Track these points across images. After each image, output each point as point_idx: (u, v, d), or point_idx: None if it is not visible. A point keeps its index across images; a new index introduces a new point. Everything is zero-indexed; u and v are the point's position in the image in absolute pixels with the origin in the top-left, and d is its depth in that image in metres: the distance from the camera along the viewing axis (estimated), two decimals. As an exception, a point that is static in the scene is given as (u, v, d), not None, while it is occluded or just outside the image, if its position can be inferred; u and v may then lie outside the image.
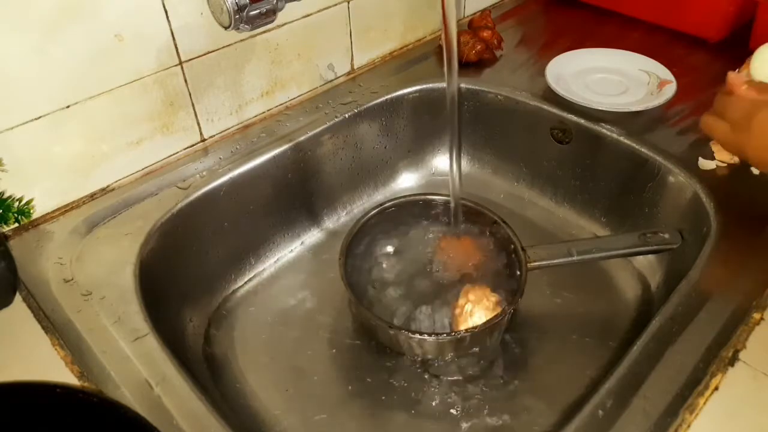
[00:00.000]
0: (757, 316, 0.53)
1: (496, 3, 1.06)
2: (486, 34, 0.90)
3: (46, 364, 0.51)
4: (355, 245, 0.68)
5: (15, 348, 0.52)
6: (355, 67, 0.88)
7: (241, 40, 0.72)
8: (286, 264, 0.79)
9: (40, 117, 0.60)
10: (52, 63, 0.59)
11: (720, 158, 0.69)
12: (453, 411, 0.63)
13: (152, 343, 0.53)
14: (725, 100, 0.59)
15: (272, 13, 0.62)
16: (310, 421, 0.62)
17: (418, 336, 0.62)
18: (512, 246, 0.66)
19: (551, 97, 0.80)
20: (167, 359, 0.52)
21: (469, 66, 0.89)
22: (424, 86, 0.85)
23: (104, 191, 0.69)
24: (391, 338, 0.64)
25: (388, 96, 0.83)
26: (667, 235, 0.66)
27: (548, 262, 0.65)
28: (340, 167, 0.82)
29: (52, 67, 0.59)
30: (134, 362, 0.51)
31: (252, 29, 0.62)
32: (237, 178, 0.71)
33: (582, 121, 0.78)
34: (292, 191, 0.78)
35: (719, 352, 0.50)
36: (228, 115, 0.76)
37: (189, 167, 0.71)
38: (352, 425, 0.62)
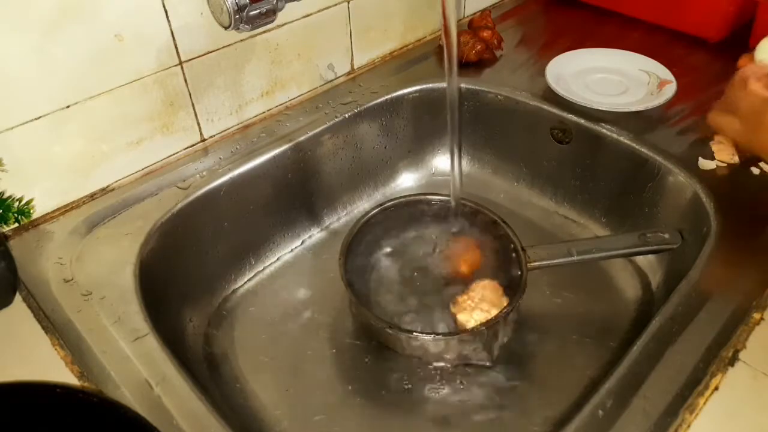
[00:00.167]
0: (757, 316, 0.53)
1: (496, 3, 1.06)
2: (486, 34, 0.90)
3: (46, 364, 0.51)
4: (356, 245, 0.68)
5: (15, 348, 0.52)
6: (355, 67, 0.88)
7: (241, 40, 0.72)
8: (286, 264, 0.79)
9: (40, 117, 0.61)
10: (52, 63, 0.59)
11: (720, 158, 0.70)
12: (453, 410, 0.63)
13: (152, 343, 0.53)
14: (736, 96, 0.58)
15: (272, 13, 0.62)
16: (310, 421, 0.62)
17: (417, 336, 0.62)
18: (512, 246, 0.66)
19: (551, 97, 0.80)
20: (167, 359, 0.52)
21: (469, 66, 0.89)
22: (424, 86, 0.85)
23: (104, 191, 0.69)
24: (390, 338, 0.64)
25: (388, 96, 0.83)
26: (667, 235, 0.66)
27: (548, 262, 0.65)
28: (340, 167, 0.82)
29: (52, 67, 0.59)
30: (134, 362, 0.51)
31: (252, 29, 0.62)
32: (237, 178, 0.71)
33: (582, 121, 0.78)
34: (292, 191, 0.78)
35: (719, 352, 0.50)
36: (228, 115, 0.76)
37: (189, 167, 0.71)
38: (351, 425, 0.62)
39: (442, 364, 0.65)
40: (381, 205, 0.71)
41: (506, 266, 0.68)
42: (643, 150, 0.73)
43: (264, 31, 0.73)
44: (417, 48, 0.94)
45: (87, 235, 0.63)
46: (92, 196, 0.68)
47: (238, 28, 0.61)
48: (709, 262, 0.59)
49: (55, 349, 0.52)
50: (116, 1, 0.60)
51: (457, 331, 0.64)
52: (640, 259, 0.75)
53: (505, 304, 0.64)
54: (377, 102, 0.83)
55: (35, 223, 0.64)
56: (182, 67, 0.68)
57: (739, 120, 0.57)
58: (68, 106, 0.62)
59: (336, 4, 0.80)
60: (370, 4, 0.84)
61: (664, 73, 0.82)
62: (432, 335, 0.63)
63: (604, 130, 0.76)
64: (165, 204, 0.66)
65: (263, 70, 0.77)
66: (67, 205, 0.66)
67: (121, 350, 0.52)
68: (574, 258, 0.65)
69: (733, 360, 0.50)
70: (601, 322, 0.70)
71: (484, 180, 0.89)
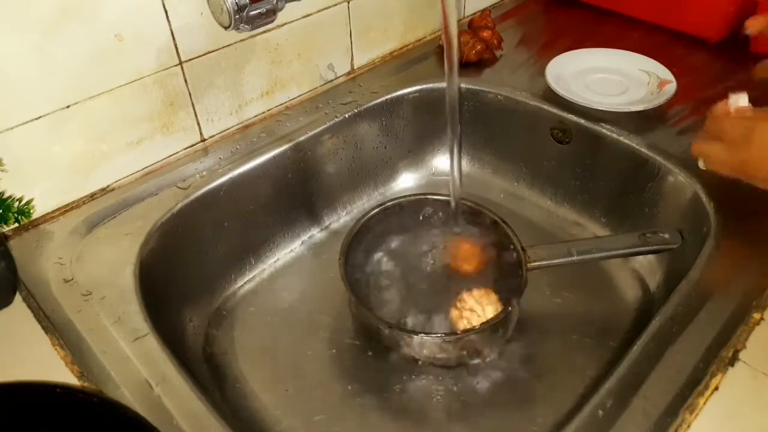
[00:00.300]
0: (757, 316, 0.53)
1: (496, 3, 1.06)
2: (486, 34, 0.90)
3: (46, 364, 0.51)
4: (356, 245, 0.68)
5: (15, 348, 0.52)
6: (355, 67, 0.88)
7: (241, 40, 0.72)
8: (286, 264, 0.79)
9: (40, 117, 0.61)
10: (52, 63, 0.59)
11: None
12: (452, 410, 0.63)
13: (152, 343, 0.53)
14: (718, 122, 0.56)
15: (272, 13, 0.62)
16: (310, 421, 0.62)
17: (417, 336, 0.62)
18: (512, 246, 0.66)
19: (551, 97, 0.80)
20: (167, 359, 0.52)
21: (469, 66, 0.89)
22: (424, 86, 0.85)
23: (104, 191, 0.69)
24: (391, 338, 0.64)
25: (388, 96, 0.83)
26: (667, 235, 0.66)
27: (548, 262, 0.65)
28: (340, 167, 0.82)
29: (52, 67, 0.59)
30: (134, 362, 0.51)
31: (252, 29, 0.62)
32: (237, 178, 0.71)
33: (582, 121, 0.78)
34: (292, 191, 0.78)
35: (719, 352, 0.50)
36: (228, 115, 0.76)
37: (189, 167, 0.71)
38: (351, 425, 0.62)
39: (441, 364, 0.65)
40: (381, 204, 0.71)
41: (506, 266, 0.68)
42: (643, 150, 0.73)
43: (264, 31, 0.73)
44: (417, 48, 0.94)
45: (87, 235, 0.63)
46: (92, 196, 0.68)
47: (238, 28, 0.61)
48: (709, 262, 0.59)
49: (55, 349, 0.52)
50: (116, 1, 0.60)
51: (457, 331, 0.64)
52: (640, 259, 0.75)
53: (503, 305, 0.64)
54: (377, 102, 0.83)
55: (35, 223, 0.64)
56: (182, 67, 0.68)
57: (724, 145, 0.56)
58: (68, 106, 0.62)
59: (336, 4, 0.80)
60: (370, 4, 0.84)
61: (664, 73, 0.82)
62: (432, 335, 0.63)
63: (604, 130, 0.76)
64: (165, 204, 0.66)
65: (263, 70, 0.77)
66: (67, 205, 0.66)
67: (121, 350, 0.52)
68: (574, 258, 0.65)
69: (733, 360, 0.50)
70: (601, 322, 0.70)
71: (484, 180, 0.89)
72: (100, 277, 0.59)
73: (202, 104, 0.72)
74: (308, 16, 0.78)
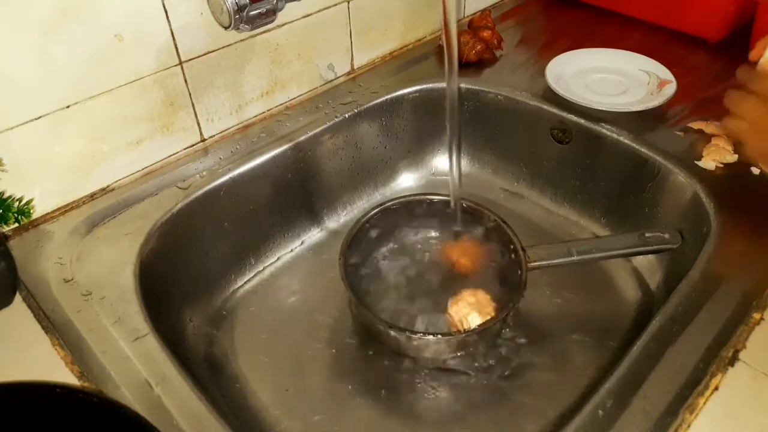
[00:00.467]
0: (757, 316, 0.53)
1: (496, 3, 1.06)
2: (486, 34, 0.90)
3: (46, 364, 0.51)
4: (356, 245, 0.68)
5: (15, 348, 0.52)
6: (355, 67, 0.88)
7: (241, 40, 0.72)
8: (286, 264, 0.79)
9: (40, 117, 0.61)
10: (52, 63, 0.59)
11: (713, 158, 0.69)
12: (452, 410, 0.63)
13: (152, 343, 0.53)
14: (741, 99, 0.56)
15: (272, 13, 0.62)
16: (310, 421, 0.62)
17: (418, 336, 0.62)
18: (512, 246, 0.66)
19: (551, 97, 0.80)
20: (167, 359, 0.52)
21: (469, 66, 0.89)
22: (424, 86, 0.85)
23: (104, 191, 0.69)
24: (390, 338, 0.64)
25: (388, 96, 0.83)
26: (667, 235, 0.66)
27: (548, 262, 0.65)
28: (340, 167, 0.82)
29: (52, 67, 0.59)
30: (134, 362, 0.51)
31: (252, 29, 0.62)
32: (237, 178, 0.71)
33: (582, 121, 0.78)
34: (292, 191, 0.78)
35: (719, 352, 0.51)
36: (228, 115, 0.76)
37: (189, 167, 0.71)
38: (351, 425, 0.62)
39: (441, 364, 0.65)
40: (381, 204, 0.71)
41: (506, 266, 0.68)
42: (643, 150, 0.73)
43: (264, 31, 0.73)
44: (417, 48, 0.94)
45: (87, 235, 0.63)
46: (92, 196, 0.68)
47: (238, 28, 0.61)
48: (709, 262, 0.59)
49: (55, 349, 0.52)
50: (116, 1, 0.60)
51: (456, 331, 0.64)
52: (640, 259, 0.75)
53: (502, 306, 0.64)
54: (377, 102, 0.83)
55: (35, 223, 0.64)
56: (182, 67, 0.68)
57: (749, 125, 0.55)
58: (68, 106, 0.62)
59: (336, 4, 0.80)
60: (370, 4, 0.84)
61: (664, 73, 0.82)
62: (431, 335, 0.63)
63: (604, 130, 0.76)
64: (165, 204, 0.66)
65: (263, 70, 0.77)
66: (67, 205, 0.66)
67: (121, 350, 0.52)
68: (574, 258, 0.65)
69: (733, 360, 0.50)
70: (601, 322, 0.70)
71: (484, 180, 0.89)
72: (100, 277, 0.59)
73: (202, 104, 0.72)
74: (308, 16, 0.78)
